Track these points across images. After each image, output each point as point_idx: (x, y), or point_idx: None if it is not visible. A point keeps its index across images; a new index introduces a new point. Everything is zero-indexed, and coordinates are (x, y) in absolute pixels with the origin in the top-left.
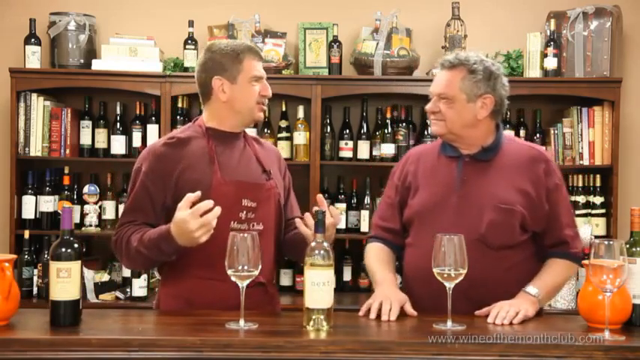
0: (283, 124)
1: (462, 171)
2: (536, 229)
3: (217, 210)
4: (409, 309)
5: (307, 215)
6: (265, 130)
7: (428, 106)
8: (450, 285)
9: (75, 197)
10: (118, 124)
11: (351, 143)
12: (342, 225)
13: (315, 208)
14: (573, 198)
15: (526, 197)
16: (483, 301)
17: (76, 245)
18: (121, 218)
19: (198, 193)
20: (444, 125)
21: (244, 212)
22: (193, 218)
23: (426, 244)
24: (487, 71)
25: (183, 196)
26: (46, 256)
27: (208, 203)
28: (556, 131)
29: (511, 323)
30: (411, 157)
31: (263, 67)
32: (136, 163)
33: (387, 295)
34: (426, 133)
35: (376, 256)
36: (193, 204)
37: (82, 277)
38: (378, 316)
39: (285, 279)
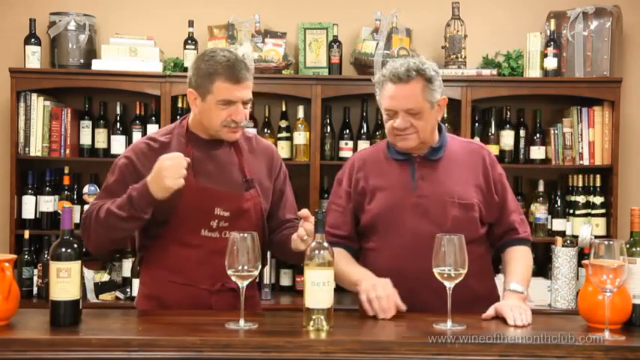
0: (283, 124)
1: (416, 172)
2: (490, 220)
3: (185, 161)
4: (399, 303)
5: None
6: (265, 130)
7: (397, 124)
8: (450, 285)
9: (75, 197)
10: (118, 124)
11: (351, 143)
12: None
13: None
14: (573, 198)
15: (480, 191)
16: (453, 297)
17: (76, 245)
18: (90, 204)
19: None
20: (417, 137)
21: (216, 221)
22: (169, 159)
23: (393, 246)
24: (437, 75)
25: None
26: (46, 256)
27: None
28: (556, 131)
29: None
30: (356, 162)
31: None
32: (118, 158)
33: (378, 283)
34: None
35: (342, 259)
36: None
37: (82, 277)
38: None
39: (285, 279)
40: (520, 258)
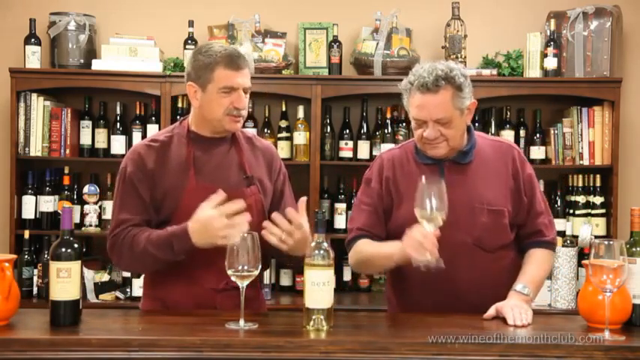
0: (283, 124)
1: (445, 177)
2: (518, 222)
3: (247, 216)
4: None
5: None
6: (265, 130)
7: (427, 134)
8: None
9: (75, 197)
10: (118, 124)
11: (351, 143)
12: (342, 225)
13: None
14: (573, 198)
15: (510, 193)
16: (483, 304)
17: (76, 245)
18: (115, 218)
19: (223, 195)
20: (446, 145)
21: None
22: (221, 217)
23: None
24: (467, 80)
25: (159, 198)
26: (46, 256)
27: (239, 204)
28: (556, 131)
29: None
30: (384, 162)
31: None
32: (122, 163)
33: (409, 237)
34: None
35: (367, 245)
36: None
37: (82, 277)
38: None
39: (285, 279)
40: (537, 261)
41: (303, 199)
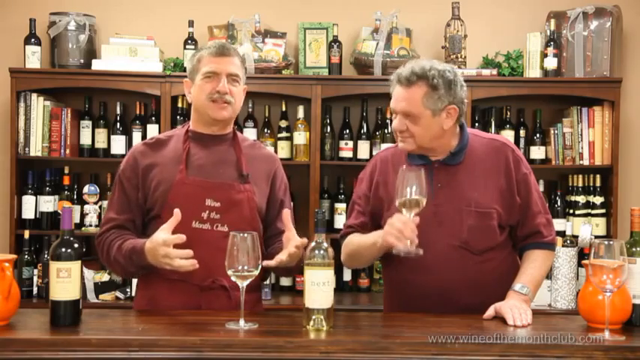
0: (283, 124)
1: (434, 179)
2: (511, 223)
3: (187, 252)
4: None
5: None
6: (265, 130)
7: (394, 125)
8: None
9: (75, 197)
10: (118, 124)
11: (351, 143)
12: (341, 225)
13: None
14: (573, 198)
15: (501, 194)
16: (472, 306)
17: (76, 245)
18: (104, 215)
19: (178, 214)
20: (413, 142)
21: (207, 212)
22: (164, 245)
23: (409, 257)
24: (447, 82)
25: (150, 194)
26: (46, 256)
27: (180, 238)
28: (556, 131)
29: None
30: (378, 163)
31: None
32: None
33: (389, 225)
34: None
35: (354, 237)
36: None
37: (82, 277)
38: None
39: (285, 279)
40: (536, 261)
41: (287, 212)
